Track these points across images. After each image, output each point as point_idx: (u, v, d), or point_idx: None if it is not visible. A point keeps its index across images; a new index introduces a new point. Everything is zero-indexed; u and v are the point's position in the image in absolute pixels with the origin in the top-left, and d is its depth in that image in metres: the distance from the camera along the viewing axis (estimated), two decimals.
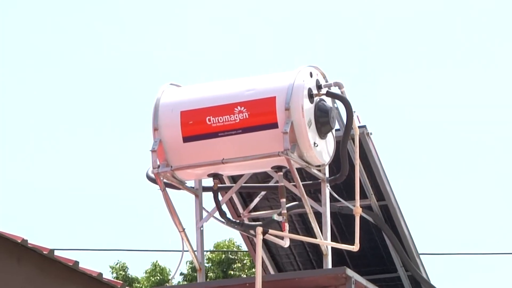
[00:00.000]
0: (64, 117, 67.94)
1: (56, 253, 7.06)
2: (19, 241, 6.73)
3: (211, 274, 26.77)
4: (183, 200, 11.51)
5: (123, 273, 30.82)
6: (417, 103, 68.13)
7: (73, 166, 63.61)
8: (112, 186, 63.78)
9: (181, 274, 25.41)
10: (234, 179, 11.54)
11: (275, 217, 11.21)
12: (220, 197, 11.32)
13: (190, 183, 11.35)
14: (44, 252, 6.90)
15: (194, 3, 70.97)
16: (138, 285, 30.44)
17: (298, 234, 11.64)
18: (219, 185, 11.17)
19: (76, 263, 6.80)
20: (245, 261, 30.01)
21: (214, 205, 11.19)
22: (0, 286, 6.14)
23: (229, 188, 11.53)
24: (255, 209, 11.84)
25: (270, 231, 11.13)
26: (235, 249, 30.93)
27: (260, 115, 10.55)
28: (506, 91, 67.85)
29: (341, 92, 10.95)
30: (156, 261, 32.19)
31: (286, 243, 11.14)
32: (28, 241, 6.64)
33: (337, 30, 69.70)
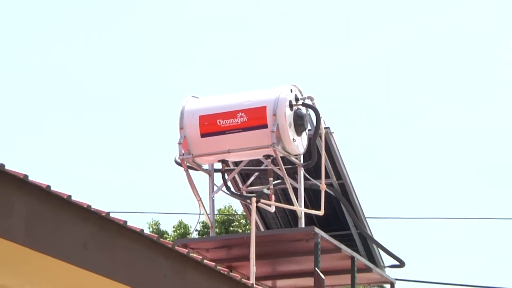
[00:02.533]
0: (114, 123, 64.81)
1: (119, 215, 7.63)
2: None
3: (217, 230, 26.85)
4: (200, 179, 12.03)
5: (156, 227, 31.31)
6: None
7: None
8: (153, 175, 62.75)
9: (196, 230, 25.85)
10: (236, 163, 11.85)
11: (265, 190, 11.62)
12: (226, 176, 11.77)
13: (205, 167, 11.85)
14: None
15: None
16: (167, 236, 30.87)
17: (281, 203, 11.92)
18: (225, 168, 11.66)
19: (108, 214, 7.01)
20: (242, 221, 30.30)
21: (222, 182, 11.75)
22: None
23: (233, 170, 11.88)
24: (251, 185, 12.17)
25: (261, 200, 11.52)
26: (233, 213, 31.34)
27: (255, 119, 11.17)
28: None
29: (312, 103, 11.45)
30: (181, 220, 32.78)
31: (272, 209, 11.70)
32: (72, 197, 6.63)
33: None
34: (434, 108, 65.64)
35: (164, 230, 31.74)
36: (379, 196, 56.64)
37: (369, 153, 62.33)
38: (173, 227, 32.98)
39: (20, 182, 6.14)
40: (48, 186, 6.34)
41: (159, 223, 33.17)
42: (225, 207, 31.94)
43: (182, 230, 31.21)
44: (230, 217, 31.87)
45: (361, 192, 13.03)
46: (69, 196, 6.53)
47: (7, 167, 6.04)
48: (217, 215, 29.93)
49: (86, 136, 64.56)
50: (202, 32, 65.68)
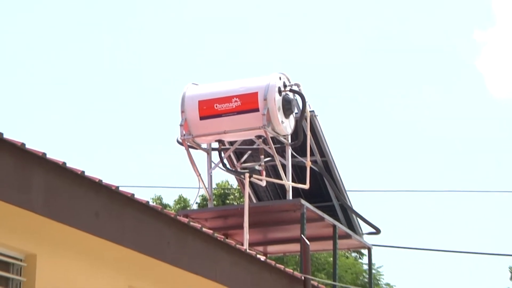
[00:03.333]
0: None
1: (127, 189, 7.65)
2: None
3: (214, 202, 26.91)
4: (199, 157, 11.96)
5: (159, 202, 31.27)
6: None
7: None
8: (156, 153, 62.74)
9: (196, 203, 25.99)
10: (231, 143, 11.75)
11: (257, 167, 11.67)
12: (222, 155, 11.69)
13: (204, 146, 11.74)
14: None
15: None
16: (169, 208, 30.89)
17: (271, 178, 11.85)
18: (222, 147, 11.62)
19: (117, 187, 7.03)
20: (236, 195, 30.29)
21: (219, 159, 11.70)
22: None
23: (228, 149, 11.79)
24: (244, 162, 12.07)
25: (254, 175, 11.60)
26: (229, 187, 31.37)
27: (248, 103, 11.09)
28: None
29: (299, 89, 11.39)
30: (181, 194, 32.79)
31: (263, 183, 11.71)
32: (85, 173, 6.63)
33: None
34: (410, 94, 65.91)
35: (166, 203, 31.71)
36: (359, 171, 56.86)
37: (350, 133, 62.54)
38: (174, 201, 32.93)
39: (39, 159, 6.16)
40: (64, 163, 6.37)
41: (161, 198, 33.12)
42: (221, 182, 31.90)
43: (182, 204, 31.14)
44: (226, 191, 31.87)
45: (342, 168, 13.05)
46: (83, 172, 6.55)
47: (27, 146, 6.06)
48: (215, 189, 29.88)
49: (101, 121, 64.58)
50: (202, 30, 65.66)
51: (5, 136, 5.85)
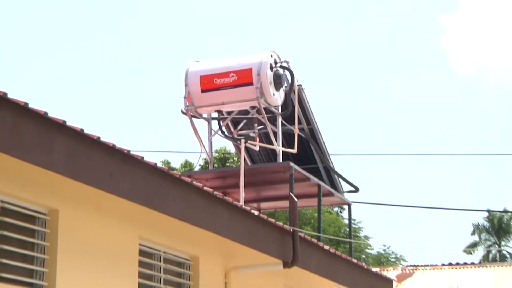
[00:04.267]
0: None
1: (138, 153, 7.16)
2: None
3: (215, 165, 27.06)
4: (201, 125, 11.97)
5: (168, 165, 31.39)
6: None
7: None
8: (164, 123, 63.06)
9: (199, 165, 26.04)
10: (229, 113, 11.79)
11: (251, 134, 11.63)
12: (221, 123, 11.75)
13: (205, 115, 11.72)
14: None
15: None
16: (176, 170, 31.03)
17: (263, 143, 11.81)
18: (221, 116, 11.69)
19: (129, 151, 7.01)
20: (234, 159, 30.45)
21: (218, 127, 11.75)
22: None
23: (226, 118, 11.82)
24: (240, 129, 12.05)
25: (248, 141, 11.79)
26: (228, 152, 31.53)
27: (243, 78, 11.06)
28: None
29: (288, 66, 11.33)
30: (186, 159, 32.98)
31: (257, 148, 11.67)
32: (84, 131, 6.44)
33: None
34: (384, 71, 66.01)
35: (173, 167, 31.86)
36: (341, 137, 57.12)
37: (334, 104, 62.72)
38: (181, 164, 33.12)
39: (60, 126, 6.15)
40: (82, 129, 6.36)
41: (169, 162, 33.27)
42: (221, 147, 32.10)
43: (188, 167, 31.30)
44: (225, 156, 32.02)
45: (326, 134, 13.13)
46: (98, 137, 6.54)
47: (49, 114, 6.04)
48: (215, 154, 30.09)
49: (116, 95, 64.60)
50: (203, 26, 65.58)
51: (30, 105, 5.83)
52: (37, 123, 5.91)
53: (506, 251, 45.27)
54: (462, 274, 20.80)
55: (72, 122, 6.22)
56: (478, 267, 22.33)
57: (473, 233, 46.39)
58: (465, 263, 23.53)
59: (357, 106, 67.47)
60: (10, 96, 5.64)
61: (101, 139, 6.57)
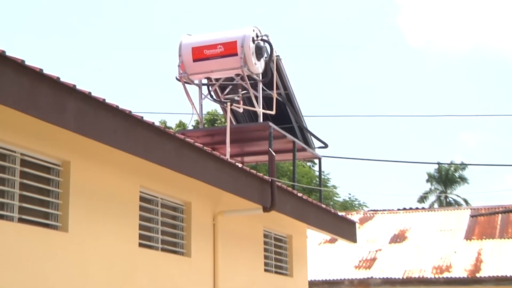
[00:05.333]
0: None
1: (139, 113, 7.20)
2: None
3: (205, 125, 27.00)
4: (192, 90, 12.05)
5: (164, 125, 31.26)
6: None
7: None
8: (161, 87, 62.86)
9: (192, 126, 25.90)
10: (217, 79, 11.66)
11: (236, 98, 11.60)
12: (210, 88, 11.67)
13: (196, 82, 11.61)
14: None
15: None
16: (171, 129, 31.02)
17: (246, 106, 11.73)
18: (210, 83, 11.64)
19: (130, 111, 7.17)
20: (222, 120, 30.38)
21: (207, 92, 11.68)
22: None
23: (214, 84, 11.73)
24: (227, 94, 11.95)
25: (234, 104, 11.81)
26: (216, 114, 31.50)
27: (229, 49, 10.95)
28: None
29: (268, 39, 11.28)
30: (180, 120, 32.86)
31: (241, 110, 11.64)
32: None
33: None
34: (349, 46, 65.91)
35: (169, 126, 31.79)
36: (313, 101, 57.20)
37: (307, 72, 62.71)
38: (175, 124, 33.01)
39: (70, 89, 6.12)
40: (89, 92, 6.33)
41: (165, 122, 33.20)
42: (211, 110, 32.01)
43: (182, 127, 31.20)
44: (214, 117, 31.95)
45: (300, 98, 13.12)
46: (104, 100, 6.51)
47: (61, 79, 6.00)
48: (205, 116, 30.04)
49: (121, 63, 64.22)
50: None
51: (44, 71, 5.79)
52: (50, 86, 5.87)
53: (452, 198, 45.72)
54: (414, 217, 21.04)
55: (81, 86, 6.20)
56: (428, 211, 22.57)
57: (427, 181, 46.81)
58: (417, 208, 23.75)
59: (329, 73, 67.61)
60: (27, 63, 5.61)
61: (106, 101, 6.53)
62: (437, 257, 17.71)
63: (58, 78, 5.93)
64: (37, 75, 5.71)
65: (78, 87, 6.14)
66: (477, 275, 16.44)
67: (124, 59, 65.84)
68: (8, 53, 5.42)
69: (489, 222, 19.49)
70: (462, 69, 69.87)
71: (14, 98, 5.47)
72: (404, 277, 16.91)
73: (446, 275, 16.71)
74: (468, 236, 18.81)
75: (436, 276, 16.73)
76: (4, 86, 5.38)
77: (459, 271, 16.77)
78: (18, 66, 5.52)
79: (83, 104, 6.23)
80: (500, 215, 19.81)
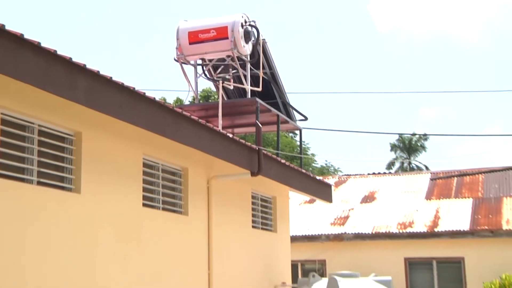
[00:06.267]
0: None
1: (141, 89, 7.62)
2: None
3: (200, 101, 26.98)
4: (189, 70, 12.03)
5: (164, 100, 31.09)
6: None
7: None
8: (161, 68, 62.32)
9: (188, 101, 25.96)
10: (210, 60, 11.59)
11: (227, 76, 11.69)
12: (204, 68, 11.62)
13: (192, 62, 11.56)
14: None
15: None
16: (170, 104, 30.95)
17: (236, 83, 11.68)
18: (204, 63, 11.57)
19: (134, 88, 7.34)
20: (215, 96, 30.21)
21: (202, 71, 11.66)
22: None
23: (208, 64, 11.66)
24: (220, 73, 11.87)
25: (225, 82, 11.86)
26: (210, 91, 31.30)
27: (221, 33, 10.89)
28: None
29: (255, 24, 11.23)
30: (178, 97, 32.67)
31: (231, 87, 11.66)
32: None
33: None
34: (318, 31, 65.38)
35: (168, 102, 31.65)
36: (295, 78, 57.05)
37: (290, 53, 62.49)
38: (173, 101, 32.82)
39: (81, 68, 6.06)
40: (98, 71, 6.27)
41: (165, 98, 33.07)
42: (205, 88, 31.82)
43: (179, 103, 31.02)
44: (208, 94, 31.76)
45: (284, 76, 13.13)
46: (111, 77, 6.46)
47: (73, 59, 5.94)
48: (200, 93, 29.89)
49: (127, 46, 63.59)
50: None
51: (58, 52, 5.73)
52: (64, 65, 5.82)
53: (414, 164, 46.01)
54: (382, 180, 21.17)
55: (91, 65, 6.15)
56: (393, 175, 22.70)
57: (391, 150, 47.10)
58: (384, 173, 23.85)
59: (307, 55, 67.37)
60: (43, 45, 5.55)
61: (113, 78, 6.49)
62: (401, 215, 17.87)
63: (70, 58, 5.87)
64: (52, 55, 5.65)
65: (88, 66, 6.08)
66: (435, 229, 16.61)
67: (129, 43, 65.35)
68: (26, 36, 5.36)
69: (446, 184, 19.65)
70: (424, 53, 69.89)
71: (32, 75, 5.41)
72: (373, 232, 17.07)
73: (409, 230, 16.87)
74: (428, 197, 18.97)
75: (401, 231, 16.89)
76: (23, 65, 5.33)
77: (420, 227, 16.94)
78: (35, 47, 5.46)
79: (93, 81, 6.18)
80: (455, 178, 19.96)
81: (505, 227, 16.15)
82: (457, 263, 16.56)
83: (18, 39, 5.27)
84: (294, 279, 13.97)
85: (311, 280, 10.72)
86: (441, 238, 16.54)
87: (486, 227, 16.27)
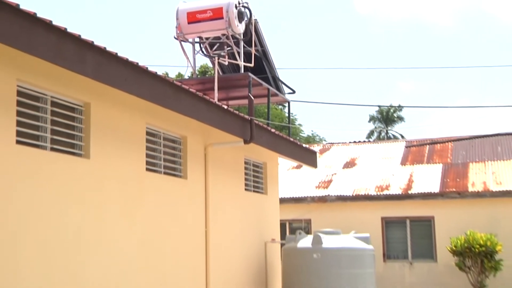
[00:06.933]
0: None
1: (144, 64, 7.70)
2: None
3: (198, 75, 26.87)
4: (187, 47, 11.96)
5: (166, 75, 30.93)
6: None
7: None
8: (162, 45, 61.91)
9: (188, 76, 25.84)
10: (207, 38, 11.41)
11: (222, 53, 11.61)
12: (201, 45, 11.44)
13: (190, 40, 11.34)
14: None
15: None
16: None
17: (230, 59, 11.57)
18: (201, 41, 11.38)
19: (137, 63, 7.26)
20: (212, 72, 30.05)
21: (199, 49, 11.48)
22: None
23: (205, 42, 11.47)
24: (216, 50, 11.69)
25: (221, 58, 11.68)
26: (207, 67, 31.10)
27: (217, 14, 10.74)
28: None
29: (248, 5, 11.12)
30: (179, 72, 32.48)
31: (226, 63, 11.53)
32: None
33: None
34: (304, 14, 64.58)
35: (170, 76, 31.44)
36: (283, 55, 56.66)
37: (281, 32, 61.97)
38: (175, 76, 32.66)
39: (89, 44, 6.01)
40: (105, 47, 6.22)
41: (167, 73, 32.89)
42: (203, 64, 31.66)
43: (180, 77, 30.88)
44: (205, 69, 31.58)
45: (274, 53, 13.01)
46: (116, 53, 6.40)
47: (82, 36, 5.89)
48: (198, 68, 29.70)
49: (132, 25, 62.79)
50: None
51: (68, 29, 5.67)
52: (73, 42, 5.77)
53: (391, 133, 46.13)
54: (362, 148, 21.25)
55: (98, 42, 6.11)
56: (372, 143, 22.79)
57: (369, 121, 47.19)
58: (364, 141, 23.94)
59: (299, 32, 66.91)
60: (54, 23, 5.49)
61: (119, 54, 6.44)
62: (379, 179, 17.99)
63: (79, 35, 5.82)
64: (62, 32, 5.60)
65: (95, 43, 6.03)
66: (409, 192, 16.75)
67: (134, 22, 64.57)
68: (38, 15, 5.31)
69: (419, 152, 19.75)
70: (401, 33, 69.62)
71: (44, 51, 5.36)
72: (353, 194, 17.19)
73: (385, 192, 17.01)
74: (403, 162, 19.08)
75: (378, 193, 17.03)
76: (36, 41, 5.29)
77: (395, 189, 17.08)
78: (47, 25, 5.40)
79: (100, 56, 6.14)
80: (427, 146, 20.06)
81: (470, 189, 16.32)
82: (427, 221, 16.76)
83: (31, 18, 5.21)
84: (283, 236, 14.12)
85: (298, 237, 10.85)
86: (414, 200, 16.70)
87: (454, 190, 16.43)
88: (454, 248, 15.29)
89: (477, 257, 14.93)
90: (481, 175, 17.08)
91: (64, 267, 6.14)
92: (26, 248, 5.67)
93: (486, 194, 16.00)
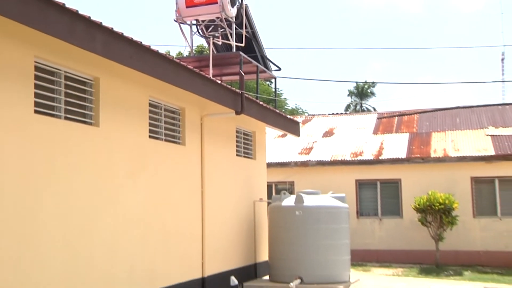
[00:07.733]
0: None
1: (148, 43, 7.57)
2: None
3: (195, 54, 26.61)
4: (186, 29, 11.84)
5: (168, 53, 30.50)
6: None
7: None
8: (163, 27, 60.77)
9: (186, 55, 25.69)
10: (203, 21, 11.36)
11: (217, 34, 11.40)
12: (198, 27, 11.41)
13: (188, 22, 11.30)
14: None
15: None
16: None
17: (224, 40, 11.49)
18: (198, 23, 11.34)
19: (141, 42, 7.12)
20: (208, 51, 29.73)
21: (196, 30, 11.46)
22: None
23: (201, 24, 11.41)
24: (211, 31, 11.63)
25: (215, 39, 11.61)
26: (203, 47, 30.76)
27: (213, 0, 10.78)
28: None
29: None
30: (179, 51, 32.18)
31: (220, 43, 11.41)
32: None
33: None
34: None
35: (171, 55, 31.06)
36: (271, 35, 56.05)
37: (269, 15, 61.22)
38: (175, 54, 32.27)
39: (98, 25, 5.95)
40: (112, 28, 6.16)
41: (169, 51, 32.51)
42: (200, 44, 31.22)
43: (180, 56, 30.51)
44: (201, 49, 31.19)
45: (262, 34, 12.93)
46: (122, 33, 6.35)
47: (92, 18, 5.83)
48: (195, 48, 29.31)
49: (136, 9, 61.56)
50: None
51: (80, 12, 5.62)
52: (84, 22, 5.72)
53: (365, 106, 46.25)
54: (339, 119, 21.33)
55: (106, 22, 6.05)
56: (349, 115, 22.86)
57: (348, 95, 47.28)
58: (342, 113, 23.97)
59: (285, 16, 66.03)
60: (67, 5, 5.44)
61: (124, 34, 6.39)
62: (353, 146, 18.13)
63: (90, 16, 5.77)
64: (74, 14, 5.55)
65: (104, 23, 5.98)
66: (380, 157, 16.92)
67: (140, 5, 63.41)
68: None
69: (389, 122, 19.88)
70: (375, 18, 69.07)
71: (58, 30, 5.33)
72: (331, 159, 17.34)
73: (359, 158, 17.17)
74: (375, 132, 19.22)
75: (353, 158, 17.18)
76: (51, 22, 5.25)
77: (368, 155, 17.24)
78: (60, 7, 5.36)
79: (108, 36, 6.09)
80: (396, 117, 20.19)
81: (432, 155, 16.54)
82: (395, 183, 17.00)
83: (47, 1, 5.16)
84: (269, 196, 14.26)
85: (282, 197, 10.97)
86: (383, 164, 16.89)
87: (418, 155, 16.64)
88: (417, 206, 15.56)
89: (436, 213, 15.23)
90: (442, 143, 17.29)
91: (79, 221, 6.22)
92: (46, 205, 5.74)
93: (445, 159, 16.23)
